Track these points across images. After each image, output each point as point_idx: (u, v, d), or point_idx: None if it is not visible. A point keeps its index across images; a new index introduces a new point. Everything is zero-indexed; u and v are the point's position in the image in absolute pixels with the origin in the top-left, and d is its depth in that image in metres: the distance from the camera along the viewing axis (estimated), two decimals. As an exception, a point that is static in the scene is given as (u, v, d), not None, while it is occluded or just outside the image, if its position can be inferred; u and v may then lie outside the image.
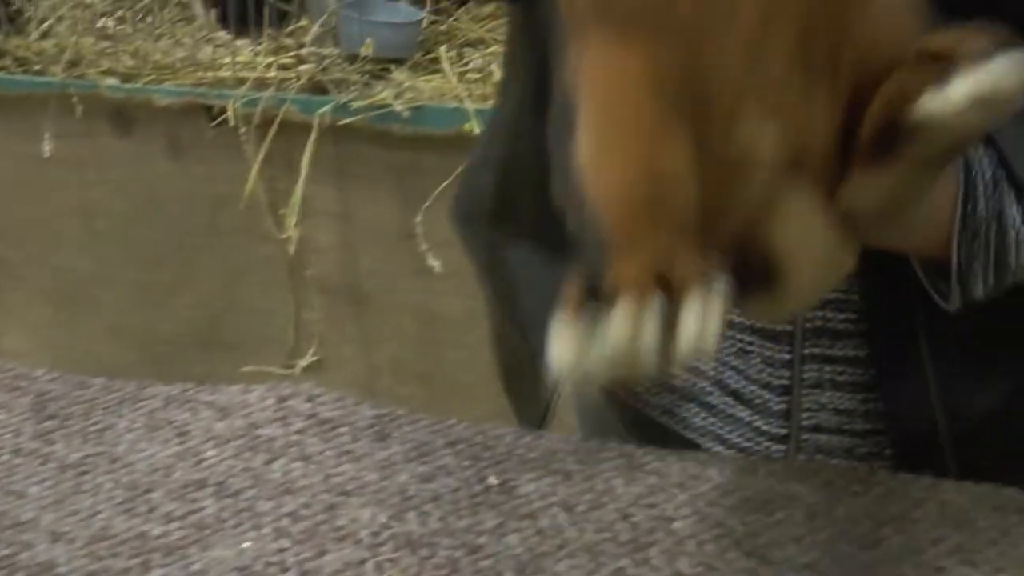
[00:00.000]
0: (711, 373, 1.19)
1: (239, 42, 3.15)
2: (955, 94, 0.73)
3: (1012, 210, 0.94)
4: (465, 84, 2.97)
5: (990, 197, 0.94)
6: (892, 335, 1.07)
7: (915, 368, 1.07)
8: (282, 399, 1.16)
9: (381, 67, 3.03)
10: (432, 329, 3.04)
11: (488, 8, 3.21)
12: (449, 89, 2.97)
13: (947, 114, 0.74)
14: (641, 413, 1.25)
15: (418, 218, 2.92)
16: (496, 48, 3.07)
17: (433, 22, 3.18)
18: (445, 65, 3.04)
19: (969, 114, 0.73)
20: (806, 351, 1.13)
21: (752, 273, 0.81)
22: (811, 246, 0.83)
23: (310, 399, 1.16)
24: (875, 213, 0.82)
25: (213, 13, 3.23)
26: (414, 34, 3.08)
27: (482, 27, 3.18)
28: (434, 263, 2.90)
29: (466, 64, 3.09)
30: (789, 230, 0.81)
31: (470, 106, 2.86)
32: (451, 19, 3.21)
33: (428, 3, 3.17)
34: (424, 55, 3.11)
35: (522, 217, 1.21)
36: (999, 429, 1.11)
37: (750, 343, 1.15)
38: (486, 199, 1.25)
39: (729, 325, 1.14)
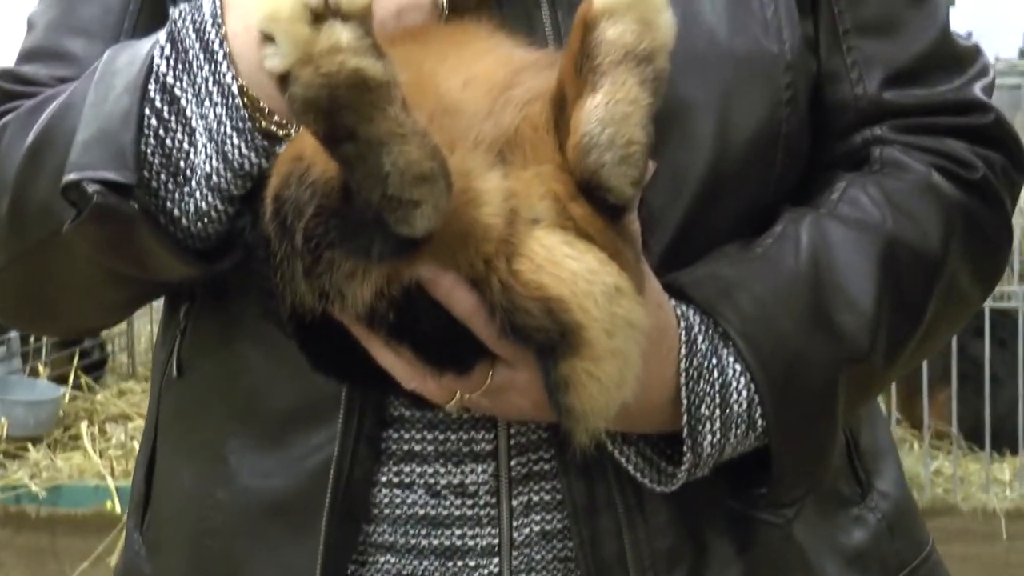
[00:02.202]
0: None
1: None
2: None
3: (724, 352, 1.00)
4: (107, 460, 2.92)
5: (705, 335, 0.99)
6: None
7: None
8: None
9: (17, 446, 2.94)
10: None
11: (129, 383, 3.20)
12: (90, 466, 2.90)
13: None
14: None
15: (56, 604, 2.79)
16: (139, 423, 3.04)
17: (74, 398, 3.13)
18: (86, 441, 2.98)
19: None
20: None
21: (547, 333, 0.85)
22: (587, 282, 0.85)
23: None
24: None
25: None
26: (53, 411, 3.02)
27: (125, 402, 3.16)
28: (73, 651, 2.76)
29: (108, 440, 3.04)
30: (553, 267, 0.85)
31: (112, 483, 2.80)
32: (93, 395, 3.17)
33: (69, 379, 3.13)
34: (64, 431, 3.05)
35: None
36: None
37: None
38: None
39: None
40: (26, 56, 1.12)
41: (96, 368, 3.26)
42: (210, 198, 0.95)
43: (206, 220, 0.96)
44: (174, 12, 0.97)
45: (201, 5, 0.95)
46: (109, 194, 0.94)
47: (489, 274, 0.86)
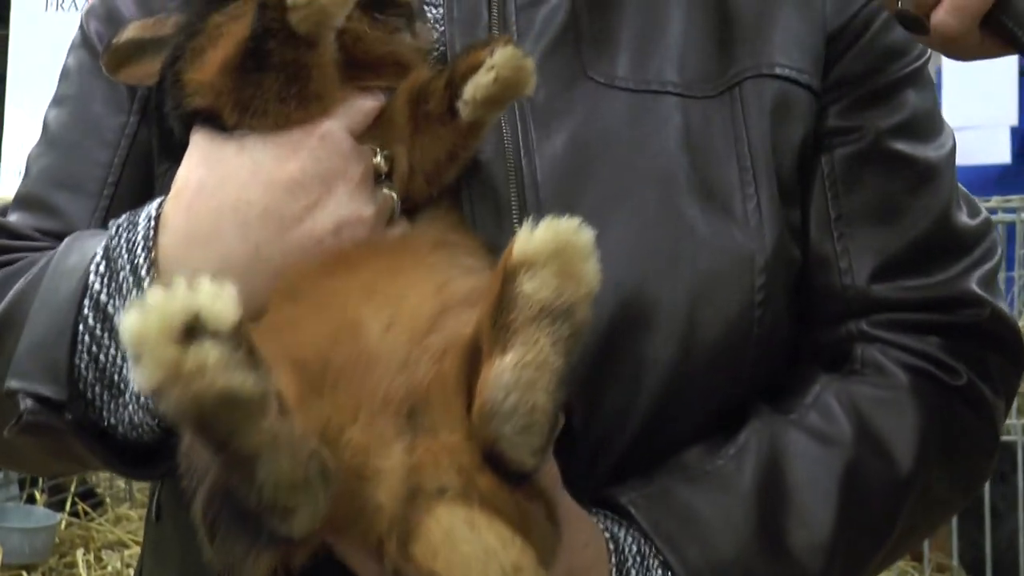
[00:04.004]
0: None
1: None
2: None
3: None
4: (102, 587, 2.90)
5: (640, 567, 0.97)
6: None
7: None
8: None
9: (12, 574, 2.91)
10: None
11: (125, 509, 3.18)
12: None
13: None
14: None
15: None
16: (136, 550, 3.02)
17: (70, 525, 3.11)
18: (81, 570, 2.96)
19: None
20: None
21: None
22: (482, 564, 0.82)
23: None
24: None
25: None
26: (49, 539, 3.00)
27: (121, 529, 3.13)
28: None
29: (104, 567, 3.02)
30: (448, 549, 0.82)
31: None
32: (90, 521, 3.15)
33: (66, 506, 3.12)
34: (59, 559, 3.02)
35: None
36: None
37: None
38: None
39: None
40: (17, 203, 1.15)
41: (93, 495, 3.24)
42: (141, 414, 0.96)
43: (140, 431, 0.97)
44: (113, 225, 0.98)
45: (138, 222, 0.97)
46: (40, 411, 0.96)
47: (383, 554, 0.85)
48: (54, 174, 1.14)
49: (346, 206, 0.94)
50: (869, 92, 1.08)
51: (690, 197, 1.03)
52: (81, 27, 1.18)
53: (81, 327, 0.96)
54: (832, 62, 1.08)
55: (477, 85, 0.93)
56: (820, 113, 1.08)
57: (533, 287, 0.82)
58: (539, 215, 0.99)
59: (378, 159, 0.96)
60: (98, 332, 0.96)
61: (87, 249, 0.99)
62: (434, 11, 1.07)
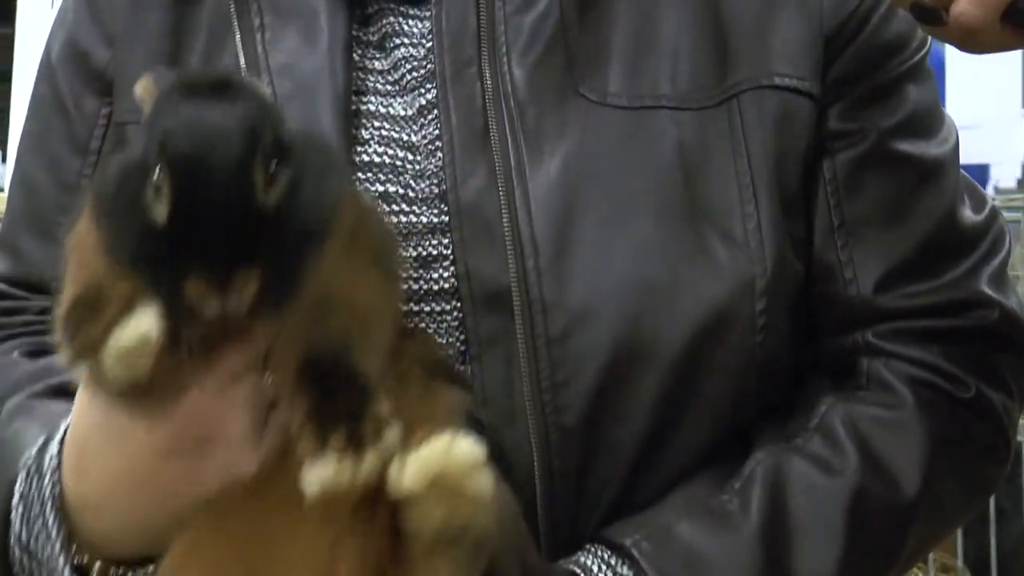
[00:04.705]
0: None
1: None
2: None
3: None
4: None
5: None
6: None
7: None
8: None
9: (15, 572, 2.90)
10: None
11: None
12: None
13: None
14: None
15: None
16: None
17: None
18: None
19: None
20: None
21: None
22: None
23: None
24: None
25: None
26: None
27: None
28: None
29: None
30: None
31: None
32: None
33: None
34: None
35: None
36: None
37: None
38: None
39: None
40: None
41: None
42: None
43: None
44: (24, 467, 0.94)
45: (44, 473, 0.92)
46: None
47: None
48: (21, 215, 1.11)
49: (227, 468, 0.86)
50: (869, 90, 1.06)
51: (688, 221, 1.00)
52: (46, 51, 1.14)
53: (9, 555, 0.93)
54: (831, 61, 1.05)
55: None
56: (820, 116, 1.05)
57: (420, 519, 0.79)
58: (534, 249, 0.97)
59: (268, 386, 0.86)
60: (26, 561, 0.93)
61: (21, 448, 0.95)
62: (420, 25, 1.05)
